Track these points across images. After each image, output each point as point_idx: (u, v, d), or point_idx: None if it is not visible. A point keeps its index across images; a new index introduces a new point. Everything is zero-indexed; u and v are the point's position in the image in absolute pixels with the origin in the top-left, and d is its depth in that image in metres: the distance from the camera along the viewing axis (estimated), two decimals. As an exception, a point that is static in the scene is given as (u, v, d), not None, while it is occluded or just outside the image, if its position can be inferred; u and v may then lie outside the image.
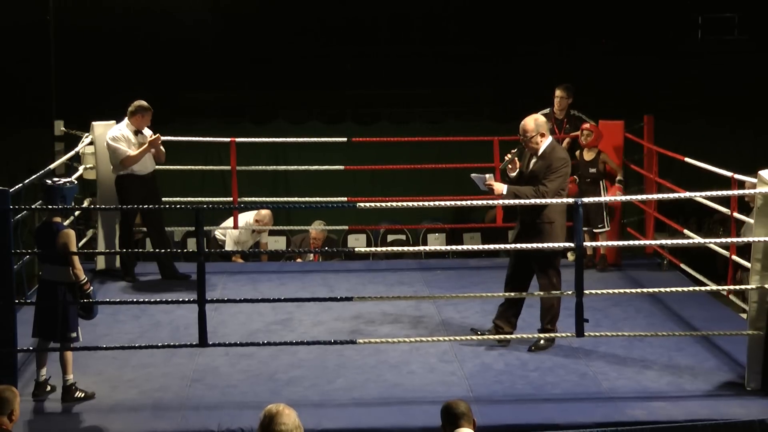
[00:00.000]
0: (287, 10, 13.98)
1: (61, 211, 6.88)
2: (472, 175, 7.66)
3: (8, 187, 6.87)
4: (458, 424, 4.94)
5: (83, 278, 6.76)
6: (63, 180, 6.99)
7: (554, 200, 7.34)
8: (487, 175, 7.61)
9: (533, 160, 7.62)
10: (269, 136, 11.16)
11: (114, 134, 9.27)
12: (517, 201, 7.40)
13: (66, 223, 7.62)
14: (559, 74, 10.72)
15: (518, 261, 7.69)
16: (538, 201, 7.32)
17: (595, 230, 9.75)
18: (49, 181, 6.92)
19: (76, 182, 7.09)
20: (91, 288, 6.85)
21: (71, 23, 12.40)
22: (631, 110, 11.01)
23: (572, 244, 7.07)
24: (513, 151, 7.67)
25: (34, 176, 8.48)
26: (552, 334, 7.61)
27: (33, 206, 8.29)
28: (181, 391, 6.93)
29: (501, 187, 7.51)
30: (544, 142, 7.59)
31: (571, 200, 7.16)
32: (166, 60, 13.59)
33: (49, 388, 6.86)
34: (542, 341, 7.62)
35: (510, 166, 7.68)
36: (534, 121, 7.59)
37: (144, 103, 9.32)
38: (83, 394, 6.78)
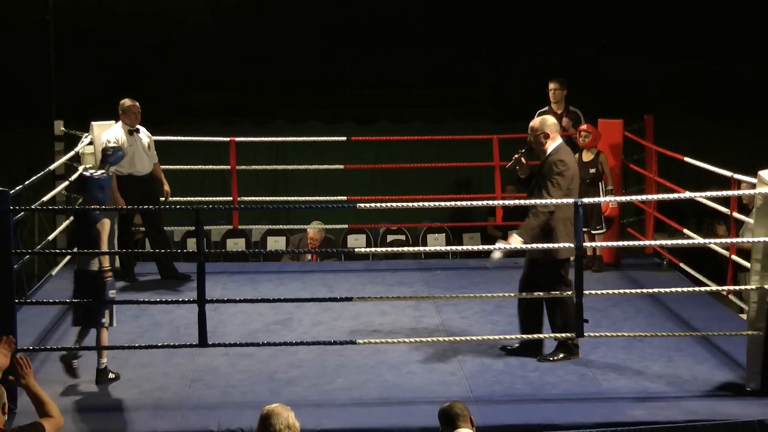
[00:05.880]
0: (287, 10, 13.96)
1: (93, 201, 7.09)
2: (488, 262, 7.81)
3: (8, 188, 6.88)
4: (456, 425, 4.94)
5: (106, 266, 6.97)
6: (99, 171, 7.27)
7: (552, 201, 7.10)
8: (496, 247, 7.45)
9: (541, 162, 7.38)
10: (269, 136, 11.15)
11: (108, 137, 9.26)
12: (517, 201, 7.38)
13: (66, 223, 7.64)
14: (559, 74, 10.71)
15: (525, 282, 7.44)
16: (545, 205, 7.10)
17: (593, 231, 9.73)
18: (87, 173, 7.23)
19: (110, 174, 7.38)
20: (111, 278, 7.01)
21: (71, 23, 12.39)
22: (631, 109, 11.00)
23: (572, 245, 7.07)
24: (521, 151, 7.43)
25: (35, 177, 8.47)
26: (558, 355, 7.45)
27: (33, 207, 8.28)
28: (181, 391, 6.94)
29: (516, 240, 7.14)
30: (551, 144, 7.30)
31: (570, 200, 7.04)
32: (166, 60, 13.57)
33: (112, 375, 7.06)
34: (561, 354, 7.44)
35: (518, 167, 7.44)
36: (540, 121, 7.39)
37: (126, 101, 9.31)
38: (114, 375, 7.06)
